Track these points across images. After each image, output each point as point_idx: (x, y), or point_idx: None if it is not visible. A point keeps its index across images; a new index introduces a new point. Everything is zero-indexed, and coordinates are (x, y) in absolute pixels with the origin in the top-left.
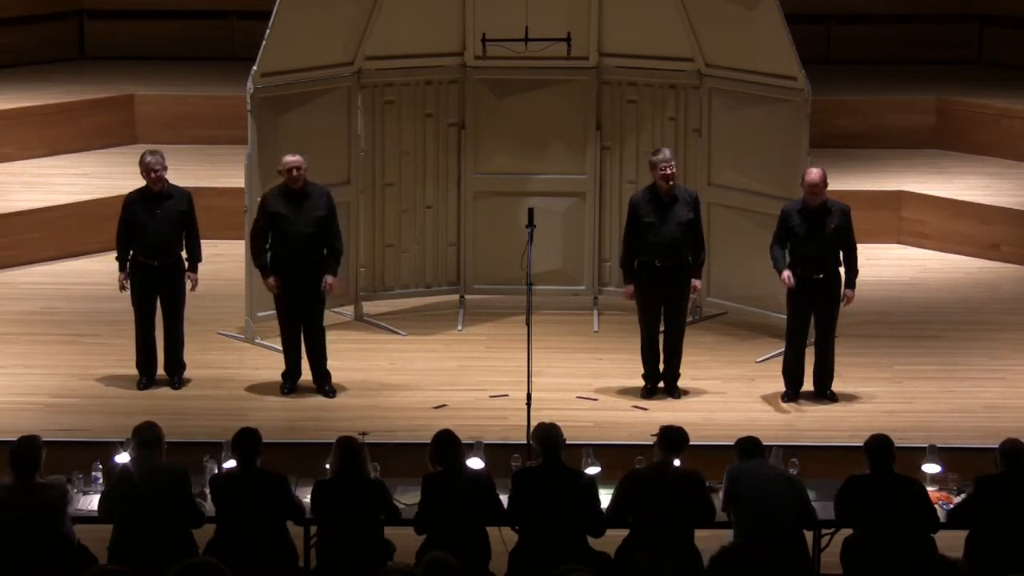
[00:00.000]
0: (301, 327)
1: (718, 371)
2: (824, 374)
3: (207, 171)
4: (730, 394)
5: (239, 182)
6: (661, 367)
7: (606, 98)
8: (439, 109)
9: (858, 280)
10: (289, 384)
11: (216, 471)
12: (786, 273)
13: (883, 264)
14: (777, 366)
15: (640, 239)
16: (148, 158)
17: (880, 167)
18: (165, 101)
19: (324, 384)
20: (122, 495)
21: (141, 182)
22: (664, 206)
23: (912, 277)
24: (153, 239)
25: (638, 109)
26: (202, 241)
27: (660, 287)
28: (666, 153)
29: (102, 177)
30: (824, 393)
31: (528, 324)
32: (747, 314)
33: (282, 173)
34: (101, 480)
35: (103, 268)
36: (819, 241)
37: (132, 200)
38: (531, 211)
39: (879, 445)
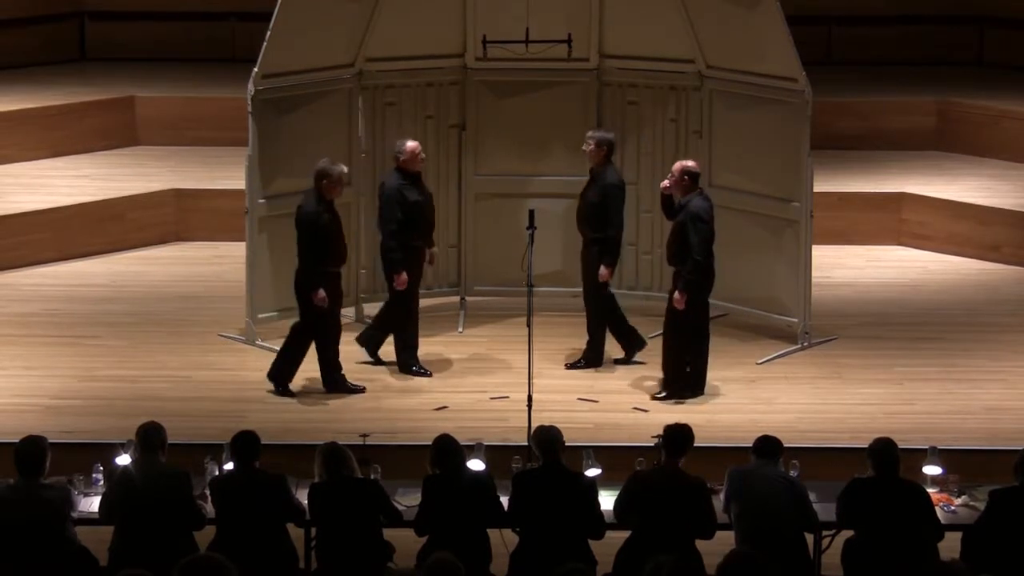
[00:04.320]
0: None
1: (719, 372)
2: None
3: (207, 173)
4: (731, 396)
5: (239, 184)
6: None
7: (607, 100)
8: (440, 111)
9: (859, 281)
10: (418, 364)
11: (217, 472)
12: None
13: (884, 266)
14: (779, 367)
15: None
16: (336, 168)
17: (881, 169)
18: (166, 103)
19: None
20: (123, 497)
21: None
22: (589, 180)
23: (913, 279)
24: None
25: (639, 111)
26: (201, 243)
27: (582, 258)
28: (590, 132)
29: (103, 179)
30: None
31: (529, 326)
32: (748, 315)
33: (405, 159)
34: (102, 482)
35: (104, 270)
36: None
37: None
38: (532, 212)
39: (884, 449)
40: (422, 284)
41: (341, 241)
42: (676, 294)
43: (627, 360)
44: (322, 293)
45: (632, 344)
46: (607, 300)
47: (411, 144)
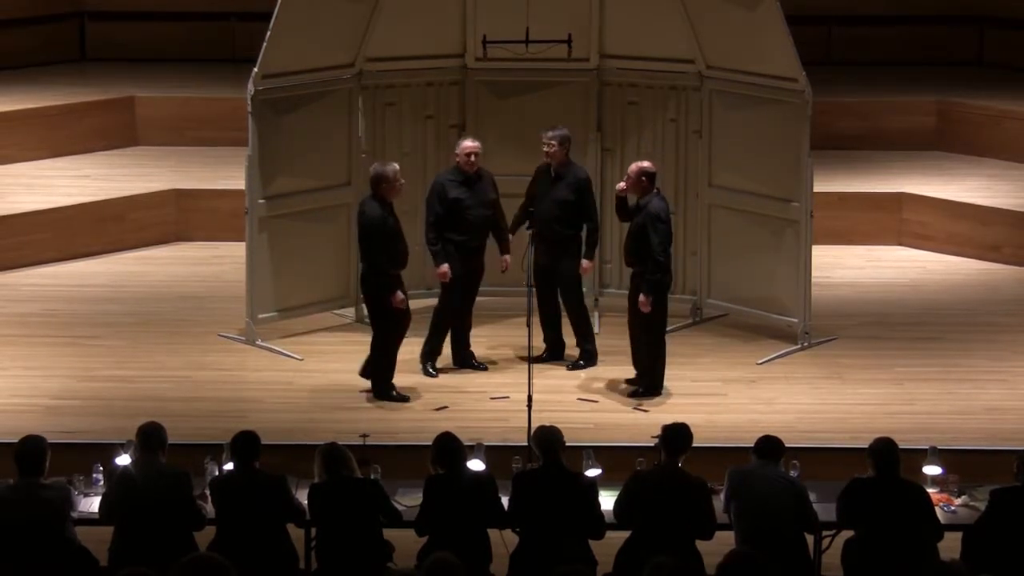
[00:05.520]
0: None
1: (719, 373)
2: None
3: (207, 173)
4: (731, 396)
5: (239, 184)
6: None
7: (607, 100)
8: (440, 111)
9: (859, 281)
10: (433, 364)
11: (217, 473)
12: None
13: (884, 266)
14: (779, 367)
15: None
16: (390, 169)
17: (881, 169)
18: (166, 103)
19: (473, 358)
20: (123, 497)
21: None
22: (549, 182)
23: (913, 279)
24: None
25: (639, 111)
26: (202, 243)
27: (541, 258)
28: (550, 132)
29: (103, 179)
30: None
31: (529, 326)
32: (748, 316)
33: (457, 157)
34: (102, 482)
35: (104, 270)
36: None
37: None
38: (531, 212)
39: (884, 449)
40: (420, 286)
41: (404, 242)
42: (641, 297)
43: (543, 359)
44: (400, 295)
45: (554, 353)
46: (580, 292)
47: (464, 143)
